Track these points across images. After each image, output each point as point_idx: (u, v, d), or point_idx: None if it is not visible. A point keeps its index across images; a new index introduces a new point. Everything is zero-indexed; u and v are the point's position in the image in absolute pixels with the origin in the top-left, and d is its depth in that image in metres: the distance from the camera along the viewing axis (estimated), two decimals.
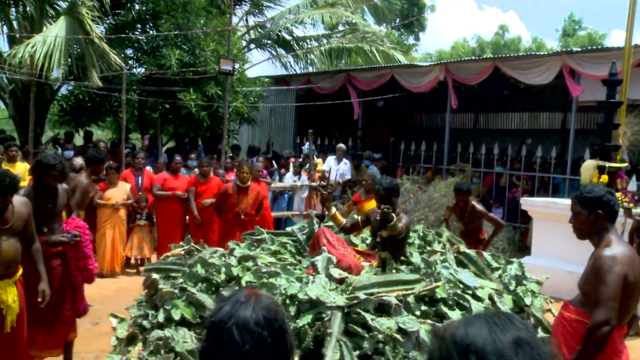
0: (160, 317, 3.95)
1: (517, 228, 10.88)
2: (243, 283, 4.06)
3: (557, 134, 15.34)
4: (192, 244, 5.32)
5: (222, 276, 4.21)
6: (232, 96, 12.59)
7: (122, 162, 9.60)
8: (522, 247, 10.36)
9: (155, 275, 4.47)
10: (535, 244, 8.88)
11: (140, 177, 9.37)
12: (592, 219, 3.25)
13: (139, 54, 12.96)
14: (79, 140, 14.11)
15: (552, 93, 14.28)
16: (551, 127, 16.57)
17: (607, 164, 8.12)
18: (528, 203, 9.00)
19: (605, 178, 8.02)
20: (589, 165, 8.27)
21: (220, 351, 1.57)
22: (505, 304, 4.15)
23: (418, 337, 3.43)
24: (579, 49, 10.49)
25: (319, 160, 12.36)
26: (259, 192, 8.03)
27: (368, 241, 5.29)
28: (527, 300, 4.25)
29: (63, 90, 13.22)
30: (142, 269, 7.25)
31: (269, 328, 1.60)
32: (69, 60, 11.14)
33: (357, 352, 3.38)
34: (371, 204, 8.25)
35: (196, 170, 10.33)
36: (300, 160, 11.76)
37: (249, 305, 1.63)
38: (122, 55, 12.43)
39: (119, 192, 8.61)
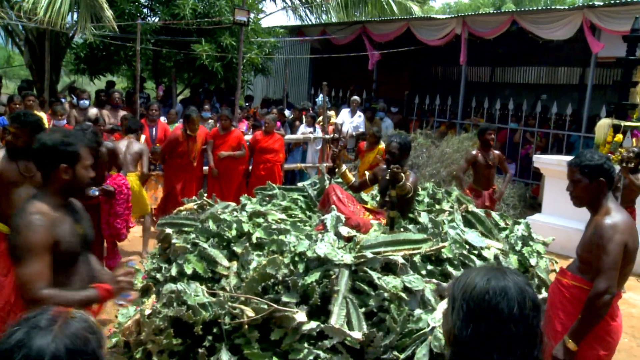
0: (173, 270, 4.03)
1: (528, 185, 10.84)
2: (253, 239, 4.12)
3: (574, 90, 15.06)
4: (205, 198, 5.37)
5: (234, 232, 4.26)
6: (246, 47, 12.46)
7: (137, 112, 9.60)
8: (532, 204, 10.34)
9: (168, 230, 4.54)
10: (546, 201, 8.86)
11: (154, 129, 9.36)
12: (594, 186, 3.21)
13: (153, 3, 12.79)
14: (93, 89, 14.13)
15: (571, 47, 13.91)
16: (569, 82, 16.22)
17: (623, 123, 7.99)
18: (540, 160, 8.94)
19: (619, 137, 7.90)
20: (603, 124, 8.15)
21: None
22: (511, 264, 4.18)
23: (423, 296, 3.48)
24: (601, 3, 10.15)
25: (331, 113, 12.29)
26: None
27: (378, 198, 5.31)
28: (533, 261, 4.28)
29: (78, 39, 13.14)
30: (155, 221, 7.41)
31: None
32: (77, 7, 10.98)
33: (362, 309, 3.45)
34: (372, 155, 8.33)
35: (210, 121, 10.34)
36: (312, 112, 11.70)
37: (50, 331, 1.31)
38: (136, 3, 12.27)
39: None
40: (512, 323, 1.45)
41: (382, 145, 8.49)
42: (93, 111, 9.45)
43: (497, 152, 7.37)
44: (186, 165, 8.24)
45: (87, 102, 9.50)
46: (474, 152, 7.34)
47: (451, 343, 1.51)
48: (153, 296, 4.06)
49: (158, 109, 9.61)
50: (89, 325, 1.38)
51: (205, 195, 5.48)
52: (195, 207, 5.04)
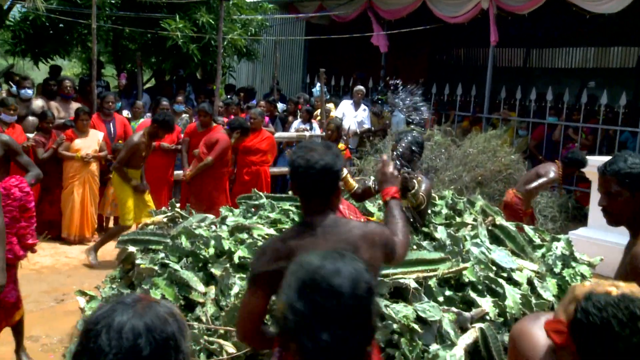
0: None
1: (571, 192, 10.87)
2: (235, 259, 4.15)
3: (629, 76, 15.06)
4: (177, 208, 5.40)
5: (211, 250, 4.30)
6: (227, 26, 12.51)
7: (94, 104, 9.62)
8: (576, 216, 10.36)
9: (131, 248, 4.57)
10: (593, 212, 8.89)
11: (111, 124, 9.41)
12: (636, 201, 2.91)
13: None
14: (38, 75, 14.12)
15: (625, 22, 13.91)
16: (623, 65, 16.22)
17: None
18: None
19: None
20: None
21: (84, 357, 1.59)
22: (548, 289, 4.22)
23: (440, 328, 3.52)
24: None
25: (330, 106, 12.35)
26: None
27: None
28: None
29: (17, 13, 13.08)
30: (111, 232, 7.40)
31: (150, 339, 1.59)
32: None
33: None
34: None
35: (184, 116, 10.38)
36: (307, 105, 11.75)
37: (131, 309, 1.64)
38: None
39: (90, 141, 8.67)
40: (344, 298, 1.81)
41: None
42: (38, 103, 9.46)
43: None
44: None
45: (30, 91, 9.49)
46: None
47: (284, 314, 1.85)
48: None
49: (114, 100, 9.65)
50: (171, 312, 1.69)
51: (178, 205, 5.52)
52: (164, 219, 5.07)
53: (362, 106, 12.15)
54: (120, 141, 9.15)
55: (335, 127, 9.11)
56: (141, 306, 1.66)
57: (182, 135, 9.18)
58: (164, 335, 1.61)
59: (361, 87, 12.33)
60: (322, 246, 2.55)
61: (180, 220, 5.10)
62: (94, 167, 8.70)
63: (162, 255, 4.37)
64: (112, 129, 9.37)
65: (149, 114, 10.01)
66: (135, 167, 7.76)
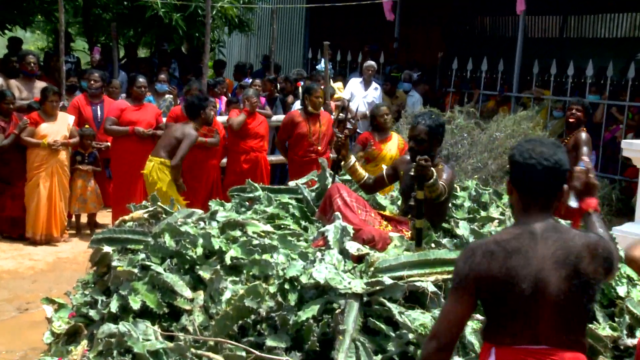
0: (114, 305, 4.06)
1: (615, 182, 10.84)
2: (227, 260, 4.15)
3: None
4: (160, 202, 5.40)
5: (199, 250, 4.31)
6: None
7: (62, 83, 9.60)
8: (621, 210, 10.34)
9: (107, 248, 4.57)
10: None
11: (99, 107, 9.43)
12: None
13: None
14: None
15: None
16: None
17: None
18: (633, 147, 8.94)
19: None
20: None
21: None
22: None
23: (462, 338, 3.52)
24: None
25: (336, 85, 12.32)
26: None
27: (400, 202, 5.35)
28: (621, 290, 4.28)
29: None
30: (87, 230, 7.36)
31: None
32: None
33: (379, 357, 3.48)
34: (389, 148, 8.31)
35: (167, 97, 10.38)
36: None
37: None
38: None
39: (59, 126, 8.64)
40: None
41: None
42: None
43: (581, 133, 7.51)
44: None
45: None
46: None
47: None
48: (84, 342, 4.09)
49: (100, 79, 9.63)
50: None
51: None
52: (145, 215, 5.07)
53: (373, 84, 12.12)
54: (87, 125, 9.15)
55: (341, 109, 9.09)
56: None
57: (162, 119, 9.16)
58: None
59: (372, 63, 12.29)
60: (541, 252, 2.61)
61: (164, 216, 5.10)
62: (63, 156, 8.64)
63: (142, 256, 4.37)
64: (99, 113, 9.38)
65: (123, 95, 9.99)
66: None
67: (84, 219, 9.31)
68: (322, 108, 9.17)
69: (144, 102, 9.21)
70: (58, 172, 8.64)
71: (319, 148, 8.72)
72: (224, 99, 11.01)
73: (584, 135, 7.63)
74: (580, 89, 12.03)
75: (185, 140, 7.76)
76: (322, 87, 10.18)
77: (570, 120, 7.55)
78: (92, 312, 4.32)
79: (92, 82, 9.46)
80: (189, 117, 8.01)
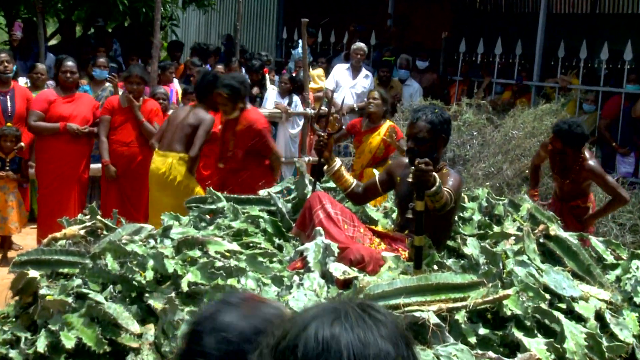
0: (41, 343, 4.04)
1: None
2: (184, 286, 4.14)
3: None
4: (100, 216, 5.38)
5: (149, 274, 4.29)
6: None
7: None
8: None
9: (33, 273, 4.55)
10: None
11: (8, 97, 9.33)
12: None
13: None
14: None
15: None
16: None
17: None
18: None
19: None
20: None
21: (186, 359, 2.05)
22: (626, 327, 4.23)
23: None
24: None
25: (316, 72, 12.34)
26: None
27: (395, 215, 5.36)
28: None
29: None
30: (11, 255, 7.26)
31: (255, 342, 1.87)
32: None
33: None
34: (376, 140, 8.37)
35: (107, 85, 10.31)
36: (286, 72, 11.74)
37: (238, 308, 2.08)
38: None
39: None
40: None
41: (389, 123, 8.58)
42: None
43: (594, 167, 7.32)
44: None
45: None
46: (547, 144, 7.63)
47: None
48: None
49: (10, 60, 9.50)
50: (282, 314, 2.06)
51: (100, 212, 5.51)
52: (81, 232, 5.06)
53: (364, 71, 12.13)
54: (9, 124, 9.03)
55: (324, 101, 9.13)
56: (252, 305, 2.09)
57: (99, 112, 9.08)
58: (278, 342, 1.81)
59: (361, 45, 12.28)
60: None
61: (105, 232, 5.08)
62: None
63: (78, 282, 4.35)
64: (8, 105, 9.28)
65: (51, 82, 9.91)
66: None
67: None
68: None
69: (77, 91, 9.14)
70: None
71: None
72: (175, 87, 11.02)
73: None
74: (617, 77, 12.05)
75: (201, 127, 7.84)
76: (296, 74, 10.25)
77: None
78: (12, 353, 4.28)
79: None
80: (198, 99, 8.12)
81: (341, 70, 12.16)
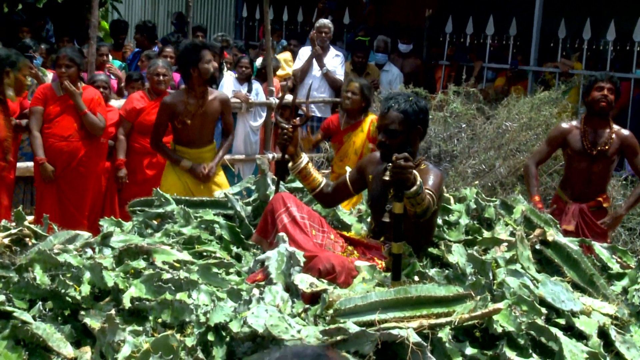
0: None
1: None
2: (126, 302, 4.13)
3: None
4: (28, 222, 5.37)
5: (85, 288, 4.27)
6: None
7: None
8: None
9: None
10: None
11: None
12: None
13: None
14: None
15: None
16: None
17: None
18: None
19: None
20: None
21: None
22: (634, 345, 4.26)
23: None
24: None
25: (283, 56, 12.35)
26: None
27: (369, 218, 5.38)
28: None
29: None
30: None
31: None
32: None
33: None
34: (360, 139, 8.42)
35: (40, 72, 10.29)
36: (244, 55, 11.74)
37: None
38: None
39: None
40: None
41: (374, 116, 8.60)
42: None
43: (623, 130, 7.49)
44: None
45: None
46: (565, 126, 7.56)
47: None
48: None
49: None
50: None
51: (29, 217, 5.49)
52: (5, 240, 5.05)
53: (332, 51, 12.14)
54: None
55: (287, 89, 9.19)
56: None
57: (28, 103, 8.99)
58: None
59: (325, 21, 12.23)
60: None
61: (34, 241, 5.07)
62: None
63: (1, 298, 4.34)
64: None
65: None
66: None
67: None
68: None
69: None
70: None
71: None
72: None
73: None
74: (625, 60, 12.11)
75: (228, 109, 8.32)
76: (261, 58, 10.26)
77: (602, 104, 7.45)
78: None
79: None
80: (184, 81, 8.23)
81: (308, 52, 12.17)
